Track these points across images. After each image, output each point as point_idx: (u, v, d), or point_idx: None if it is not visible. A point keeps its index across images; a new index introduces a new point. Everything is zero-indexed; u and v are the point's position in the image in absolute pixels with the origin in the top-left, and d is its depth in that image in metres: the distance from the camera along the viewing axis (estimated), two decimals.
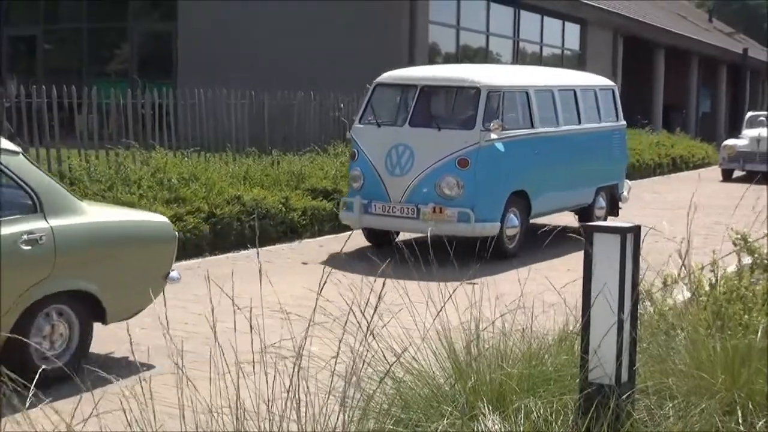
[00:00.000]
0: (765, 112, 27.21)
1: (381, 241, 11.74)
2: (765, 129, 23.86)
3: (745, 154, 23.35)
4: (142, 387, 3.70)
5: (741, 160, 23.36)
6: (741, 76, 40.60)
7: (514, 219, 11.32)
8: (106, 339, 6.85)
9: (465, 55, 24.02)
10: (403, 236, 11.79)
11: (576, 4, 27.19)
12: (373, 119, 11.47)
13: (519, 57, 26.27)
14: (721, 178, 23.63)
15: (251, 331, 3.92)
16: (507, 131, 11.15)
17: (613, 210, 13.77)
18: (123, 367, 6.35)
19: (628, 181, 14.44)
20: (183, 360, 3.84)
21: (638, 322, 4.49)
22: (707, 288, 5.56)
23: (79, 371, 4.43)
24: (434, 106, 11.74)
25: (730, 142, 24.37)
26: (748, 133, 24.08)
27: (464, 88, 11.46)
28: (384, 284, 4.22)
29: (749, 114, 26.46)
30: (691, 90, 37.84)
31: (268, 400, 3.84)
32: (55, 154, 11.66)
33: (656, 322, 5.24)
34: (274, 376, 3.90)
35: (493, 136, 10.90)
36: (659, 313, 5.36)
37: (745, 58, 39.54)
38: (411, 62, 20.10)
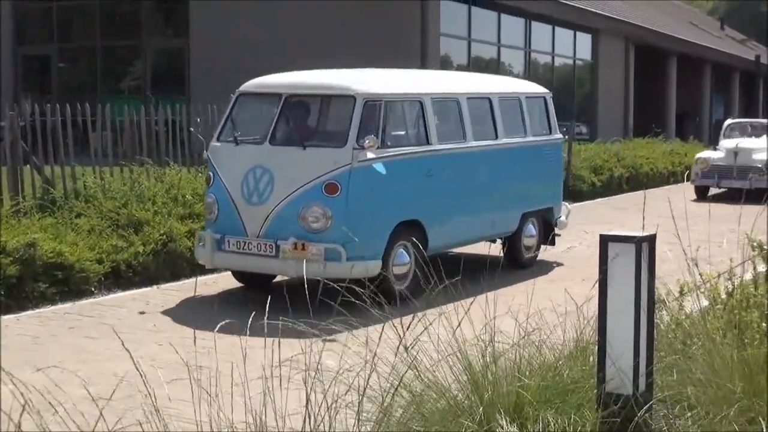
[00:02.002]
0: (747, 120, 23.95)
1: (254, 282, 9.65)
2: (744, 139, 20.67)
3: (721, 168, 19.76)
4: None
5: (716, 176, 19.70)
6: (754, 83, 40.48)
7: (403, 255, 9.22)
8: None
9: (477, 66, 24.03)
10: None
11: (587, 13, 27.18)
12: (231, 136, 9.44)
13: (531, 68, 26.27)
14: (694, 196, 19.65)
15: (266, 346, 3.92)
16: (390, 149, 9.18)
17: (547, 238, 11.55)
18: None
19: (567, 203, 12.31)
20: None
21: (655, 331, 4.48)
22: (724, 296, 5.53)
23: None
24: (301, 120, 9.56)
25: (703, 154, 20.60)
26: (726, 143, 20.51)
27: (336, 97, 9.46)
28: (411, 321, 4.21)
29: (729, 121, 22.77)
30: (704, 97, 37.75)
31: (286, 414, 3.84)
32: (69, 171, 11.70)
33: (673, 332, 5.21)
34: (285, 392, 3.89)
35: (370, 155, 8.86)
36: (676, 322, 5.34)
37: (758, 65, 39.42)
38: None
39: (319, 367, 4.04)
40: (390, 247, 9.02)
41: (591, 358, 4.75)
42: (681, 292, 5.69)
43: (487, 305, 4.69)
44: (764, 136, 20.62)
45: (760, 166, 19.28)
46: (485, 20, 23.79)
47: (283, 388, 3.96)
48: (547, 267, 11.18)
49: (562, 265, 11.35)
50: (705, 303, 5.55)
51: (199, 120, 13.29)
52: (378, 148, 8.88)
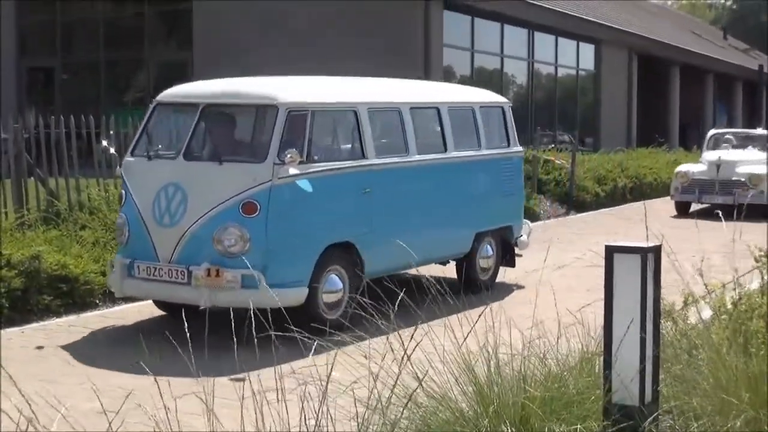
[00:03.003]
0: (732, 130, 22.35)
1: (176, 309, 8.40)
2: (727, 151, 19.19)
3: (702, 182, 18.36)
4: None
5: (697, 191, 18.31)
6: (757, 93, 40.50)
7: (335, 281, 8.37)
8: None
9: (480, 77, 24.07)
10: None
11: (590, 24, 27.23)
12: (144, 150, 8.60)
13: (534, 78, 26.30)
14: (674, 212, 18.60)
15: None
16: (318, 164, 8.34)
17: (506, 258, 10.74)
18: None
19: (528, 221, 11.47)
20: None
21: (661, 342, 4.48)
22: (729, 306, 5.52)
23: None
24: (219, 132, 8.73)
25: (683, 167, 19.19)
26: (708, 156, 19.10)
27: (257, 107, 8.62)
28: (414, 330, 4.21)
29: (712, 132, 21.16)
30: (707, 107, 37.78)
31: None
32: (74, 183, 11.72)
33: (678, 342, 5.21)
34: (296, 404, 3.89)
35: (294, 170, 8.01)
36: (681, 333, 5.33)
37: (761, 75, 39.44)
38: None
39: (319, 380, 4.04)
40: (319, 272, 8.14)
41: (596, 369, 4.75)
42: (686, 303, 5.69)
43: (492, 315, 4.69)
44: (750, 148, 19.56)
45: (743, 180, 18.03)
46: (488, 31, 23.83)
47: (283, 400, 3.96)
48: (505, 290, 10.20)
49: (522, 287, 10.34)
50: (710, 313, 5.55)
51: (111, 132, 12.21)
52: (303, 162, 8.08)
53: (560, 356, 4.90)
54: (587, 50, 28.58)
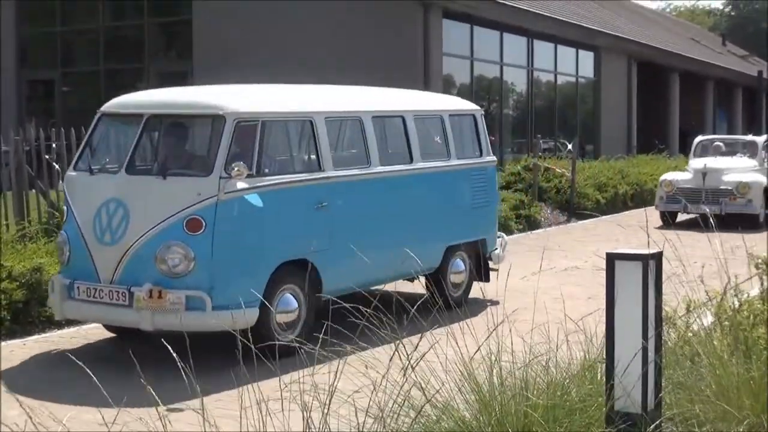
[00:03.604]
0: (720, 136, 21.23)
1: (127, 330, 8.13)
2: (714, 158, 18.28)
3: (688, 191, 17.43)
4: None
5: (682, 200, 17.26)
6: (757, 99, 40.53)
7: (290, 300, 7.93)
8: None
9: (480, 85, 24.09)
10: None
11: (589, 31, 27.26)
12: (87, 164, 8.14)
13: (534, 86, 26.33)
14: (659, 223, 17.73)
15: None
16: (269, 177, 7.87)
17: (480, 273, 10.18)
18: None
19: (503, 234, 10.99)
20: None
21: (663, 349, 4.48)
22: (730, 313, 5.52)
23: None
24: (164, 145, 8.24)
25: (668, 176, 18.25)
26: (694, 164, 18.23)
27: (203, 117, 8.12)
28: (420, 338, 4.20)
29: (699, 138, 20.04)
30: (707, 113, 37.81)
31: None
32: None
33: (680, 349, 5.21)
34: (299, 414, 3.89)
35: (242, 185, 7.56)
36: (683, 340, 5.33)
37: (761, 81, 39.48)
38: None
39: (317, 389, 4.04)
40: (271, 292, 7.68)
41: (599, 376, 4.75)
42: (688, 309, 5.69)
43: (494, 322, 4.69)
44: (738, 155, 18.64)
45: (731, 188, 17.21)
46: (488, 39, 23.86)
47: (287, 410, 3.96)
48: (478, 306, 9.28)
49: (496, 303, 9.28)
50: (711, 320, 5.55)
51: (54, 146, 11.75)
52: (252, 176, 7.62)
53: (562, 364, 4.90)
54: (587, 58, 28.62)
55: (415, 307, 4.72)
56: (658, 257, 4.20)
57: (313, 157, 8.41)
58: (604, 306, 4.38)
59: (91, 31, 25.32)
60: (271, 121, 8.10)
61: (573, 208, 19.18)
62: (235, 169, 7.41)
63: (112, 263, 7.58)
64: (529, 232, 16.73)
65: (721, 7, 74.33)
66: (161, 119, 8.22)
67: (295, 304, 7.96)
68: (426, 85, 20.32)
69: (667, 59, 32.89)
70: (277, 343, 5.80)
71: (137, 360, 4.51)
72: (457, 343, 4.64)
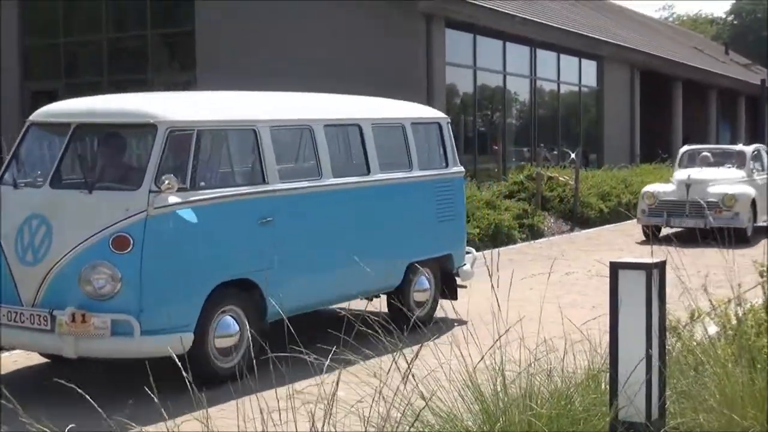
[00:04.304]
0: (707, 146, 20.09)
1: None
2: (699, 169, 17.27)
3: (671, 204, 16.50)
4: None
5: (665, 213, 16.39)
6: (760, 107, 40.52)
7: (229, 324, 7.37)
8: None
9: (483, 95, 24.11)
10: None
11: (592, 41, 27.30)
12: (12, 177, 7.53)
13: (537, 95, 26.35)
14: (641, 237, 16.87)
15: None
16: (205, 191, 7.30)
17: (447, 290, 9.57)
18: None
19: (473, 249, 10.37)
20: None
21: (666, 358, 4.47)
22: (734, 322, 5.52)
23: None
24: (92, 156, 7.74)
25: (651, 188, 17.25)
26: (678, 175, 17.22)
27: (134, 126, 7.56)
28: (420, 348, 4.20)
29: (685, 148, 19.08)
30: (711, 122, 37.80)
31: None
32: None
33: (684, 358, 5.20)
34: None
35: (174, 199, 6.99)
36: (687, 349, 5.32)
37: (763, 90, 39.47)
38: (429, 104, 20.22)
39: (328, 398, 4.04)
40: (208, 314, 7.15)
41: (603, 386, 4.74)
42: (692, 319, 5.68)
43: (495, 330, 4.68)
44: (726, 166, 17.75)
45: (716, 201, 16.24)
46: (491, 49, 23.88)
47: (291, 420, 3.96)
48: (445, 326, 8.46)
49: (464, 323, 9.47)
50: (715, 329, 5.54)
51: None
52: (186, 189, 7.07)
53: (566, 373, 4.89)
54: (590, 67, 28.64)
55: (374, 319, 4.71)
56: (661, 266, 4.19)
57: (257, 168, 7.81)
58: (607, 314, 4.38)
59: (95, 42, 25.37)
60: (209, 130, 7.56)
61: (576, 217, 19.17)
62: (166, 182, 6.84)
63: (34, 285, 6.97)
64: (532, 241, 16.74)
65: (723, 16, 74.43)
66: (90, 128, 7.66)
67: (236, 327, 7.37)
68: (429, 95, 20.35)
69: (670, 68, 32.91)
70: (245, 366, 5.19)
71: (137, 370, 4.48)
72: (461, 352, 4.63)
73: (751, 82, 40.32)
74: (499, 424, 4.35)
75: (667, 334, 4.88)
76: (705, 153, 18.13)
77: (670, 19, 73.56)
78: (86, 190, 7.08)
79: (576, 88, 28.75)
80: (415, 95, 20.27)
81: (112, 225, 6.88)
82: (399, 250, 9.02)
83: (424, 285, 9.39)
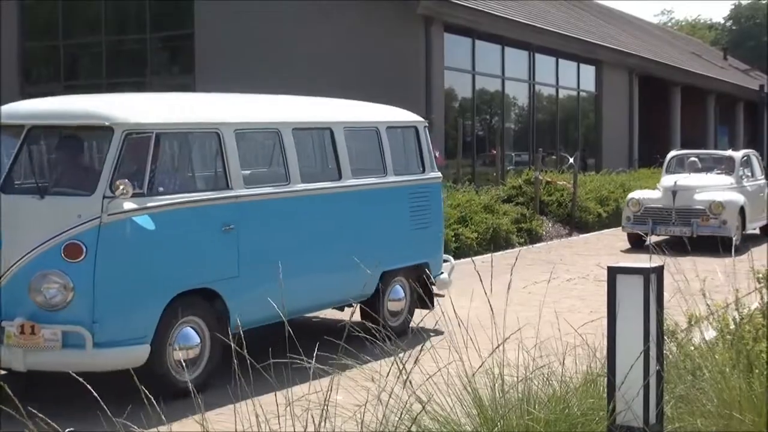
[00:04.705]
0: (695, 151, 19.42)
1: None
2: (686, 175, 16.84)
3: (656, 211, 16.08)
4: None
5: (650, 221, 15.97)
6: (758, 113, 40.57)
7: (190, 335, 7.05)
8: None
9: (481, 99, 24.13)
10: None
11: (591, 46, 27.33)
12: None
13: (535, 99, 26.38)
14: (627, 245, 16.52)
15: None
16: (164, 196, 6.96)
17: (423, 300, 9.12)
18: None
19: (450, 258, 10.13)
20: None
21: (664, 362, 4.48)
22: (732, 327, 5.53)
23: None
24: (46, 159, 7.45)
25: (636, 194, 16.86)
26: (665, 181, 16.72)
27: (89, 129, 7.14)
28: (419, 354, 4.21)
29: (672, 153, 18.50)
30: (709, 128, 37.85)
31: None
32: None
33: (682, 363, 5.21)
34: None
35: (130, 205, 6.68)
36: (685, 354, 5.33)
37: (762, 95, 39.53)
38: (428, 108, 20.25)
39: (321, 404, 4.04)
40: (167, 325, 6.84)
41: (601, 390, 4.75)
42: (689, 323, 5.69)
43: (496, 336, 4.68)
44: (715, 172, 17.29)
45: (703, 208, 15.78)
46: (489, 53, 23.91)
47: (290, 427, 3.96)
48: (425, 335, 8.02)
49: (440, 333, 7.85)
50: (713, 334, 5.55)
51: None
52: (142, 195, 6.76)
53: (564, 377, 4.90)
54: (588, 72, 28.67)
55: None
56: (659, 271, 4.20)
57: (221, 173, 7.48)
58: (605, 318, 4.39)
59: (94, 46, 25.38)
60: (169, 133, 7.24)
61: (574, 221, 19.19)
62: (121, 187, 6.51)
63: None
64: (530, 246, 16.75)
65: (722, 21, 74.52)
66: (44, 131, 7.29)
67: (196, 339, 7.05)
68: (427, 99, 20.37)
69: (668, 73, 32.95)
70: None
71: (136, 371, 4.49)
72: (460, 357, 4.64)
73: (750, 88, 40.38)
74: (497, 428, 4.36)
75: (665, 338, 4.89)
76: (693, 158, 17.67)
77: (669, 24, 73.65)
78: (38, 196, 6.74)
79: (575, 93, 28.79)
80: (413, 99, 20.31)
81: (64, 232, 6.59)
82: (372, 258, 8.39)
83: (399, 294, 9.13)
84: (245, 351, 4.36)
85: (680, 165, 17.55)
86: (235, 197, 7.43)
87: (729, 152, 18.37)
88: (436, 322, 4.77)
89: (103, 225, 6.57)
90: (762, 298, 5.63)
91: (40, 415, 3.82)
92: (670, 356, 5.24)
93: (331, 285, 8.26)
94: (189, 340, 7.02)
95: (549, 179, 19.94)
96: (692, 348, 5.40)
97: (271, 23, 21.63)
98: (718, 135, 39.00)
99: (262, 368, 4.33)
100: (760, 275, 5.89)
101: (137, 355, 6.58)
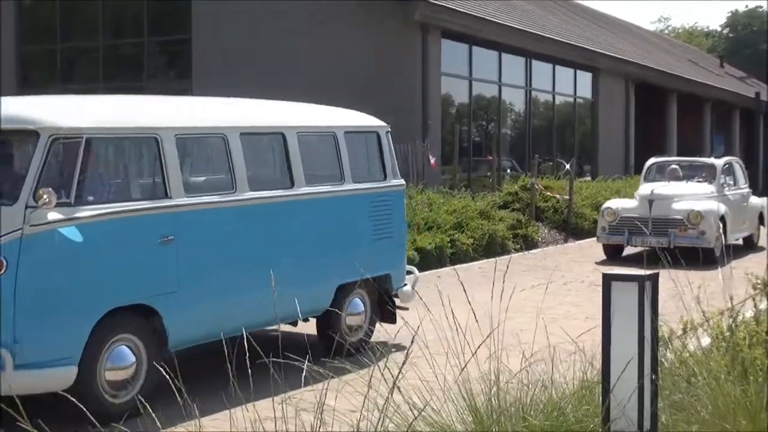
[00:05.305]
0: (677, 158, 18.85)
1: None
2: (664, 184, 16.19)
3: (632, 221, 15.29)
4: None
5: (626, 231, 15.30)
6: (754, 120, 40.63)
7: (123, 354, 6.58)
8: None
9: (478, 105, 24.16)
10: None
11: (588, 52, 27.38)
12: None
13: (532, 106, 26.43)
14: (603, 256, 15.91)
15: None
16: (94, 206, 6.43)
17: (385, 313, 8.82)
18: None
19: (414, 269, 9.63)
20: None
21: (659, 369, 4.49)
22: (727, 333, 5.53)
23: None
24: None
25: (612, 203, 16.32)
26: (642, 189, 16.11)
27: (14, 133, 6.54)
28: (411, 343, 4.21)
29: (652, 160, 17.64)
30: (705, 135, 37.92)
31: None
32: None
33: (677, 369, 5.22)
34: None
35: (55, 215, 6.19)
36: (680, 360, 5.34)
37: (758, 102, 39.59)
38: (424, 114, 20.28)
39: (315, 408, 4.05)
40: (98, 345, 6.36)
41: (596, 397, 4.76)
42: (684, 330, 5.70)
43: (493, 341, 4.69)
44: (696, 180, 16.55)
45: (681, 218, 15.09)
46: (486, 59, 23.95)
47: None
48: (395, 349, 8.06)
49: (403, 348, 7.63)
50: (708, 341, 5.56)
51: None
52: (70, 204, 6.28)
53: (559, 384, 4.91)
54: (585, 78, 28.73)
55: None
56: (654, 278, 4.21)
57: (159, 181, 6.96)
58: (600, 325, 4.40)
59: (91, 49, 25.41)
60: (101, 138, 6.65)
61: (570, 227, 19.20)
62: (45, 196, 6.03)
63: None
64: (526, 252, 16.77)
65: (719, 29, 74.69)
66: None
67: (131, 358, 6.58)
68: (424, 105, 20.41)
69: (665, 81, 33.02)
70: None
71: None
72: (459, 363, 4.64)
73: (746, 95, 40.45)
74: None
75: (661, 345, 4.90)
76: (674, 166, 17.01)
77: (666, 31, 73.78)
78: None
79: (571, 100, 28.84)
80: (410, 105, 20.35)
81: None
82: (327, 271, 8.19)
83: (358, 308, 8.63)
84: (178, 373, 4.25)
85: (660, 172, 16.90)
86: (174, 207, 6.92)
87: (711, 159, 17.67)
88: (416, 331, 4.74)
89: (24, 237, 6.08)
90: (756, 305, 5.64)
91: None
92: (666, 363, 5.25)
93: (282, 299, 7.37)
94: (123, 359, 6.55)
95: (545, 186, 19.96)
96: (687, 355, 5.42)
97: (269, 29, 21.65)
98: (714, 144, 39.06)
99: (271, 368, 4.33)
100: (758, 282, 5.90)
101: (63, 376, 6.11)
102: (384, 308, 8.82)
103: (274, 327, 7.71)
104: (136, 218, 6.68)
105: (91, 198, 6.44)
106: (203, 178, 7.74)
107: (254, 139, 7.99)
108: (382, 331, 8.67)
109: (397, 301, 8.95)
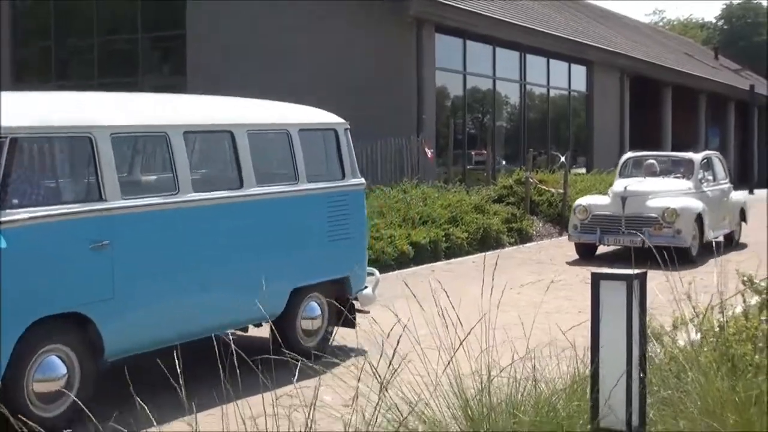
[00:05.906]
0: (652, 153, 17.80)
1: None
2: (639, 180, 15.59)
3: (604, 219, 14.76)
4: None
5: (598, 230, 14.70)
6: (749, 113, 40.68)
7: (54, 365, 6.26)
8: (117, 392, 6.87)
9: (473, 98, 24.19)
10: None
11: (582, 46, 27.40)
12: None
13: (526, 99, 26.45)
14: (575, 256, 15.22)
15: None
16: (19, 210, 6.09)
17: (342, 317, 8.14)
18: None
19: (375, 270, 9.14)
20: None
21: (647, 366, 4.53)
22: (716, 329, 5.57)
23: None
24: None
25: (585, 200, 15.54)
26: (616, 186, 15.37)
27: None
28: (400, 337, 4.26)
29: (627, 155, 17.19)
30: (700, 128, 37.94)
31: None
32: None
33: (666, 365, 5.26)
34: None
35: None
36: (669, 356, 5.38)
37: (753, 95, 39.63)
38: (419, 108, 20.30)
39: (305, 404, 4.09)
40: (25, 356, 6.05)
41: (587, 393, 4.80)
42: (674, 326, 5.74)
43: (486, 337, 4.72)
44: (673, 176, 15.97)
45: (655, 216, 14.48)
46: (481, 53, 23.97)
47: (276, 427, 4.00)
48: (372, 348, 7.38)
49: (361, 354, 6.15)
50: (697, 336, 5.59)
51: None
52: None
53: (550, 378, 4.94)
54: (579, 72, 28.75)
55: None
56: (642, 277, 4.26)
57: (93, 183, 6.59)
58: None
59: (86, 46, 25.40)
60: (28, 137, 6.29)
61: (565, 221, 19.24)
62: None
63: None
64: (520, 246, 16.81)
65: (714, 21, 74.70)
66: None
67: (62, 369, 6.27)
68: (419, 99, 20.43)
69: (659, 73, 33.04)
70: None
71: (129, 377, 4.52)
72: (451, 359, 4.68)
73: (741, 88, 40.49)
74: (482, 430, 4.40)
75: (650, 341, 4.94)
76: (651, 161, 16.36)
77: (661, 23, 73.78)
78: None
79: (565, 93, 28.87)
80: (405, 100, 20.38)
81: None
82: (280, 274, 7.81)
83: (314, 312, 8.31)
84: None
85: (637, 168, 16.30)
86: (107, 210, 6.55)
87: (689, 154, 16.74)
88: (404, 326, 4.78)
89: None
90: (745, 300, 5.68)
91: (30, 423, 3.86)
92: (656, 359, 5.29)
93: (230, 304, 7.33)
94: (53, 370, 6.22)
95: (540, 180, 20.00)
96: (677, 350, 5.45)
97: (263, 25, 21.66)
98: (709, 136, 39.09)
99: (272, 362, 4.37)
100: (745, 278, 5.93)
101: None
102: (343, 311, 8.11)
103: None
104: (65, 222, 6.31)
105: (16, 201, 6.10)
106: (143, 179, 7.48)
107: (200, 137, 7.73)
108: (376, 327, 8.70)
109: (357, 305, 8.60)
